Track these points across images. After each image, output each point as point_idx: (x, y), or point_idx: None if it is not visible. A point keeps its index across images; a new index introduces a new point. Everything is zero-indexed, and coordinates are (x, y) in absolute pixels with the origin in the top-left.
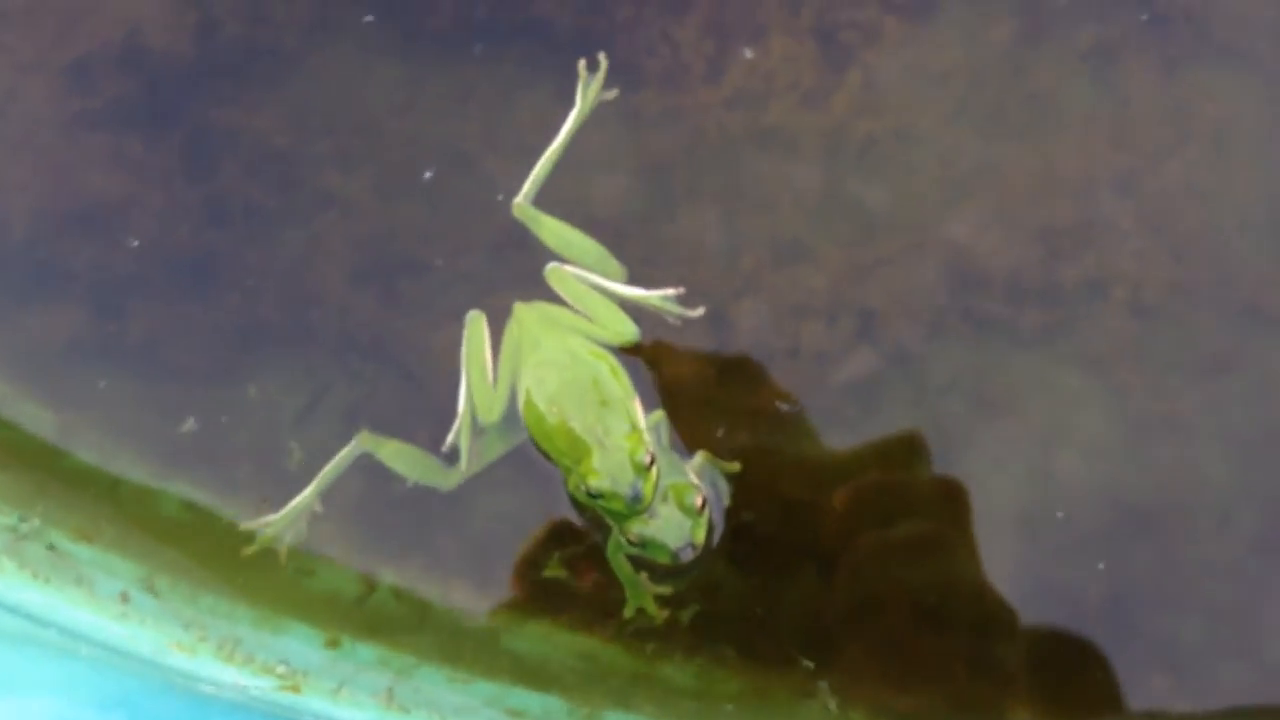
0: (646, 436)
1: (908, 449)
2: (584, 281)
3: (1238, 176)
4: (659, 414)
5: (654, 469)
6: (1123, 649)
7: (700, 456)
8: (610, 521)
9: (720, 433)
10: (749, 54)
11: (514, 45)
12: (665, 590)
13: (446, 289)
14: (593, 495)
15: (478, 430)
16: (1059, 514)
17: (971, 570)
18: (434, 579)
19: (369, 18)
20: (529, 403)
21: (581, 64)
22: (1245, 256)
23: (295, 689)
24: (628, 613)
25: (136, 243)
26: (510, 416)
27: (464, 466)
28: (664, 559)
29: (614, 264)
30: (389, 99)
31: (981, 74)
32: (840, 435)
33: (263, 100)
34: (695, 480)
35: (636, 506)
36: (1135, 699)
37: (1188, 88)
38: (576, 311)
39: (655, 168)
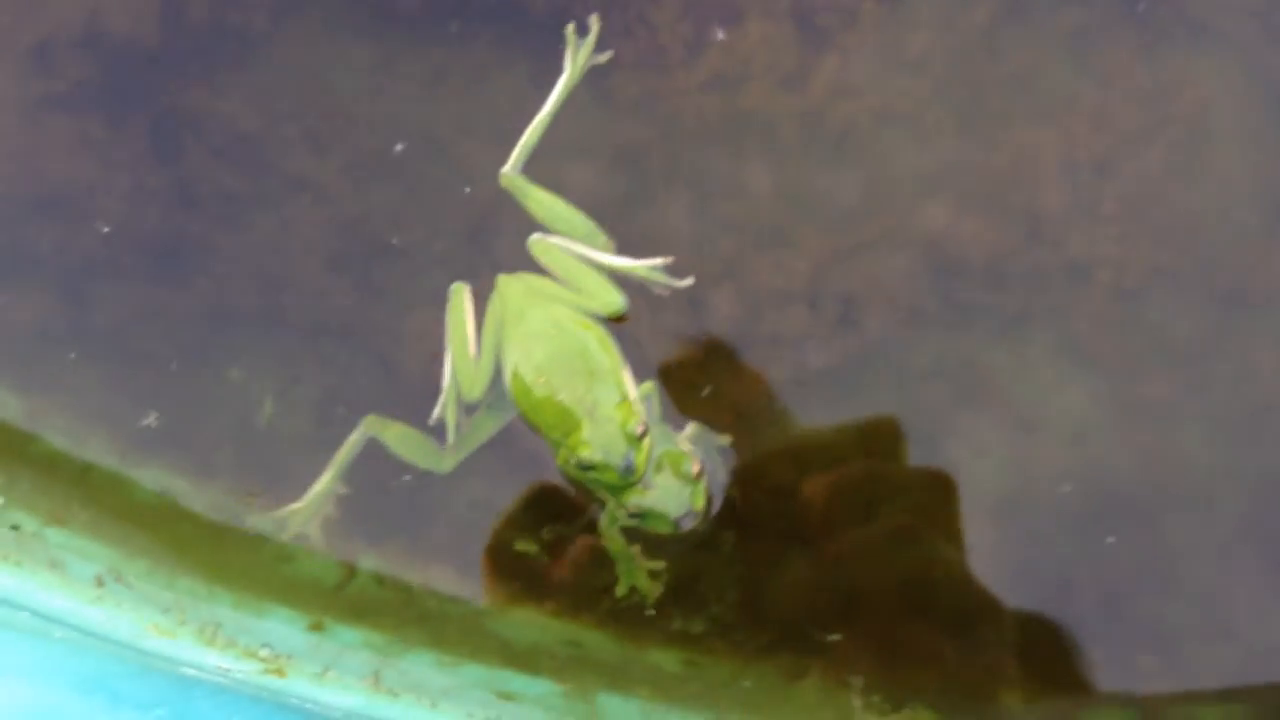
0: (638, 406)
1: (891, 435)
2: (569, 252)
3: (1220, 159)
4: (650, 384)
5: (647, 439)
6: (1110, 631)
7: (693, 426)
8: (605, 495)
9: (708, 409)
10: (721, 35)
11: (488, 27)
12: (659, 565)
13: (420, 273)
14: (584, 468)
15: (467, 409)
16: (1044, 497)
17: (957, 556)
18: (415, 565)
19: None
20: (516, 375)
21: (570, 28)
22: (1227, 240)
23: (280, 672)
24: (620, 591)
25: (106, 228)
26: (499, 394)
27: (451, 441)
28: (665, 529)
29: (601, 236)
30: (360, 82)
31: (960, 56)
32: (823, 421)
33: (231, 83)
34: (689, 448)
35: (629, 478)
36: (1123, 680)
37: (1168, 70)
38: (561, 282)
39: (632, 151)
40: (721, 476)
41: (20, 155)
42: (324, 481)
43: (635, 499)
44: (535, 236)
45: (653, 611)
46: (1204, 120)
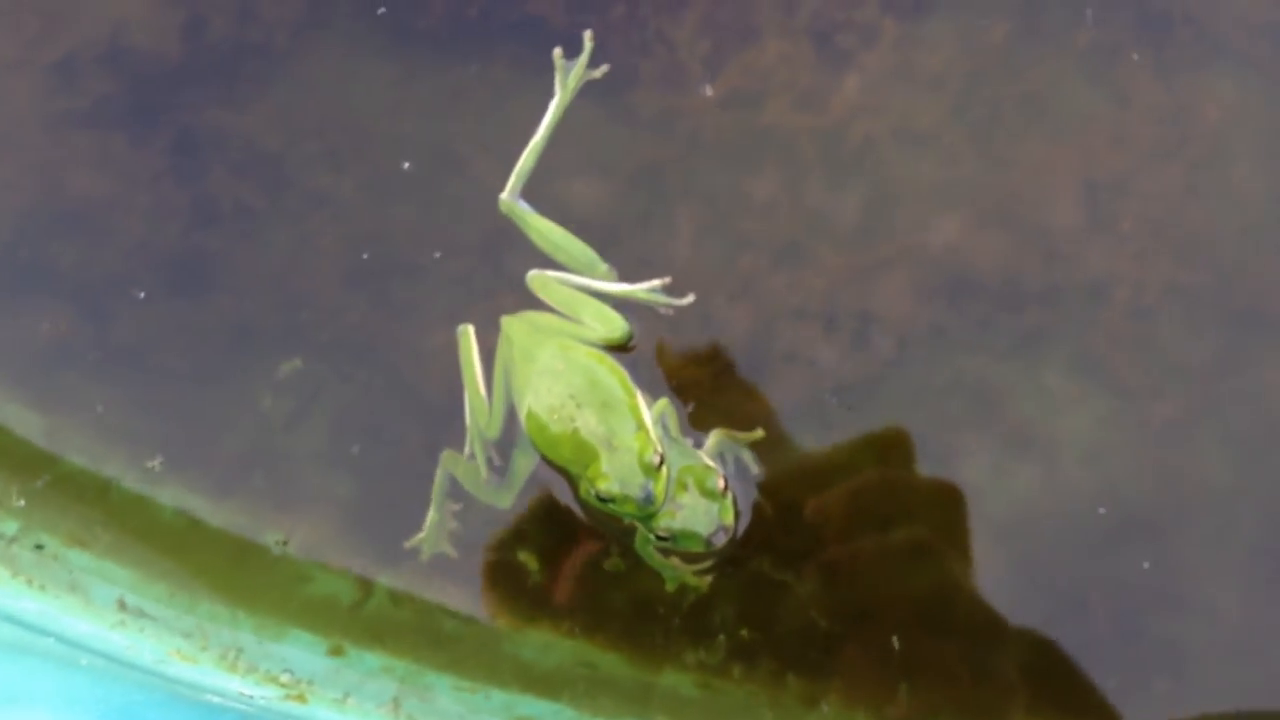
0: (654, 433)
1: (905, 453)
2: (568, 284)
3: (1237, 178)
4: (663, 402)
5: (664, 468)
6: (1124, 652)
7: (715, 435)
8: (634, 522)
9: (728, 416)
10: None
11: (506, 45)
12: (702, 566)
13: (439, 290)
14: (603, 500)
15: (495, 445)
16: (1058, 516)
17: (971, 575)
18: (430, 584)
19: (381, 10)
20: (530, 414)
21: (557, 52)
22: (1246, 258)
23: (301, 698)
24: (670, 588)
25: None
26: (521, 432)
27: (484, 474)
28: (698, 547)
29: (601, 265)
30: (379, 99)
31: (979, 75)
32: (838, 438)
33: (251, 100)
34: (711, 463)
35: (649, 508)
36: (1137, 702)
37: (1187, 89)
38: (564, 316)
39: (650, 168)
40: (755, 473)
41: (42, 170)
42: (432, 512)
43: (665, 522)
44: (533, 273)
45: (662, 634)
46: (1222, 139)
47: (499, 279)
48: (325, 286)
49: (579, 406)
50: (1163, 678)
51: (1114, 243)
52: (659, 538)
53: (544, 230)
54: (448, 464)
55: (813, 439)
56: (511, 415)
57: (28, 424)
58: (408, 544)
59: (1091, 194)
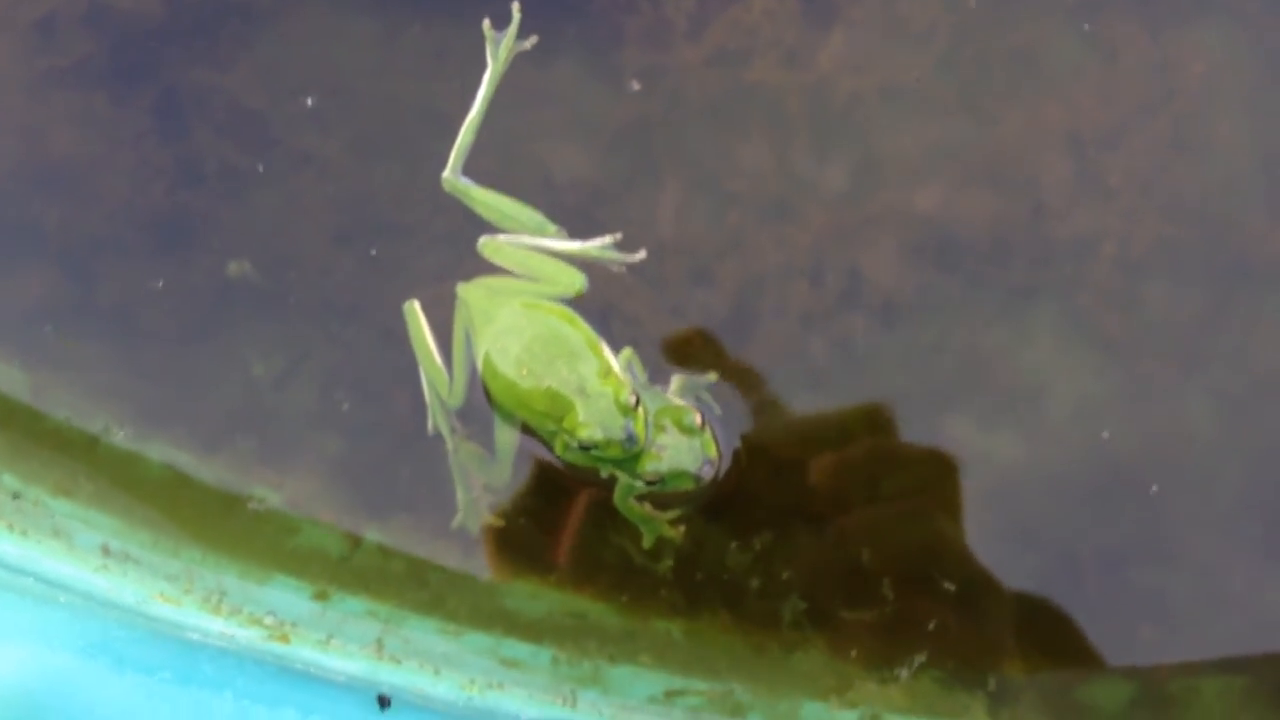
0: (624, 375)
1: (894, 410)
2: (520, 245)
3: (1225, 133)
4: (628, 350)
5: (640, 406)
6: (1111, 603)
7: (677, 378)
8: (615, 472)
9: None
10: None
11: (490, 4)
12: (676, 514)
13: (425, 250)
14: (585, 449)
15: (459, 415)
16: (1047, 471)
17: (961, 529)
18: (418, 538)
19: None
20: (494, 374)
21: (486, 24)
22: (1232, 213)
23: (284, 639)
24: (647, 544)
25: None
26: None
27: (451, 446)
28: (687, 484)
29: (550, 226)
30: (364, 57)
31: (966, 30)
32: (829, 395)
33: (234, 59)
34: (682, 402)
35: (633, 448)
36: (1124, 652)
37: (1175, 44)
38: (520, 276)
39: (636, 127)
40: (717, 413)
41: (24, 131)
42: (460, 493)
43: (651, 465)
44: (484, 239)
45: (651, 584)
46: (1210, 94)
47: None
48: (312, 246)
49: (549, 360)
50: (1149, 627)
51: (1102, 198)
52: (647, 483)
53: (490, 202)
54: (451, 448)
55: (800, 395)
56: (475, 393)
57: (13, 381)
58: (453, 525)
59: (1079, 149)
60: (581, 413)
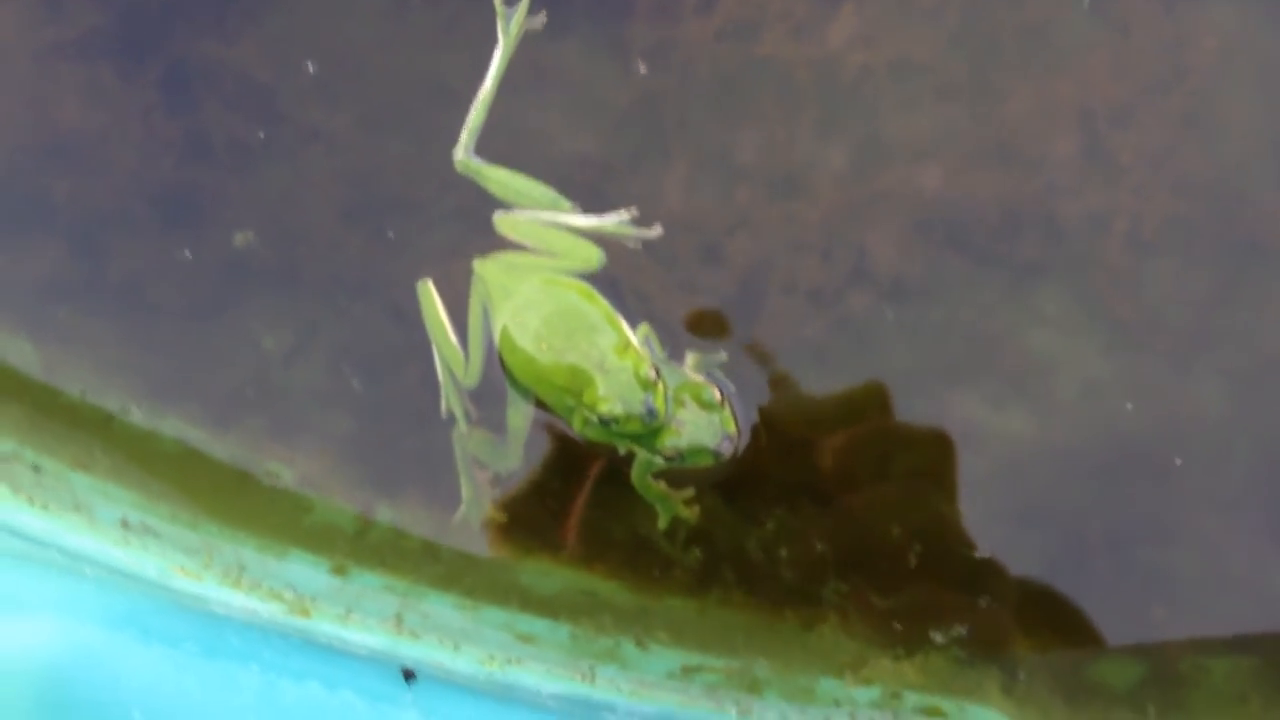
0: (643, 350)
1: (904, 387)
2: (536, 221)
3: (1238, 110)
4: (645, 326)
5: (660, 381)
6: (1122, 581)
7: (691, 356)
8: (634, 448)
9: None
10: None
11: None
12: (689, 493)
13: (434, 225)
14: (606, 423)
15: (471, 396)
16: (1057, 449)
17: (972, 508)
18: (430, 514)
19: None
20: (513, 349)
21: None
22: (1244, 190)
23: (304, 613)
24: (663, 525)
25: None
26: (508, 391)
27: (464, 429)
28: (706, 460)
29: (565, 202)
30: (372, 31)
31: (976, 5)
32: (838, 373)
33: (242, 32)
34: (700, 378)
35: (653, 422)
36: (1133, 631)
37: (1188, 20)
38: (537, 252)
39: (648, 100)
40: (731, 390)
41: (32, 103)
42: (464, 488)
43: (670, 441)
44: (499, 214)
45: (664, 562)
46: (1223, 70)
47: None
48: (321, 221)
49: (568, 335)
50: (1159, 606)
51: (1113, 175)
52: (666, 458)
53: (503, 180)
54: (458, 440)
55: (809, 373)
56: (492, 371)
57: (25, 356)
58: (455, 519)
59: (1090, 126)
60: (602, 387)
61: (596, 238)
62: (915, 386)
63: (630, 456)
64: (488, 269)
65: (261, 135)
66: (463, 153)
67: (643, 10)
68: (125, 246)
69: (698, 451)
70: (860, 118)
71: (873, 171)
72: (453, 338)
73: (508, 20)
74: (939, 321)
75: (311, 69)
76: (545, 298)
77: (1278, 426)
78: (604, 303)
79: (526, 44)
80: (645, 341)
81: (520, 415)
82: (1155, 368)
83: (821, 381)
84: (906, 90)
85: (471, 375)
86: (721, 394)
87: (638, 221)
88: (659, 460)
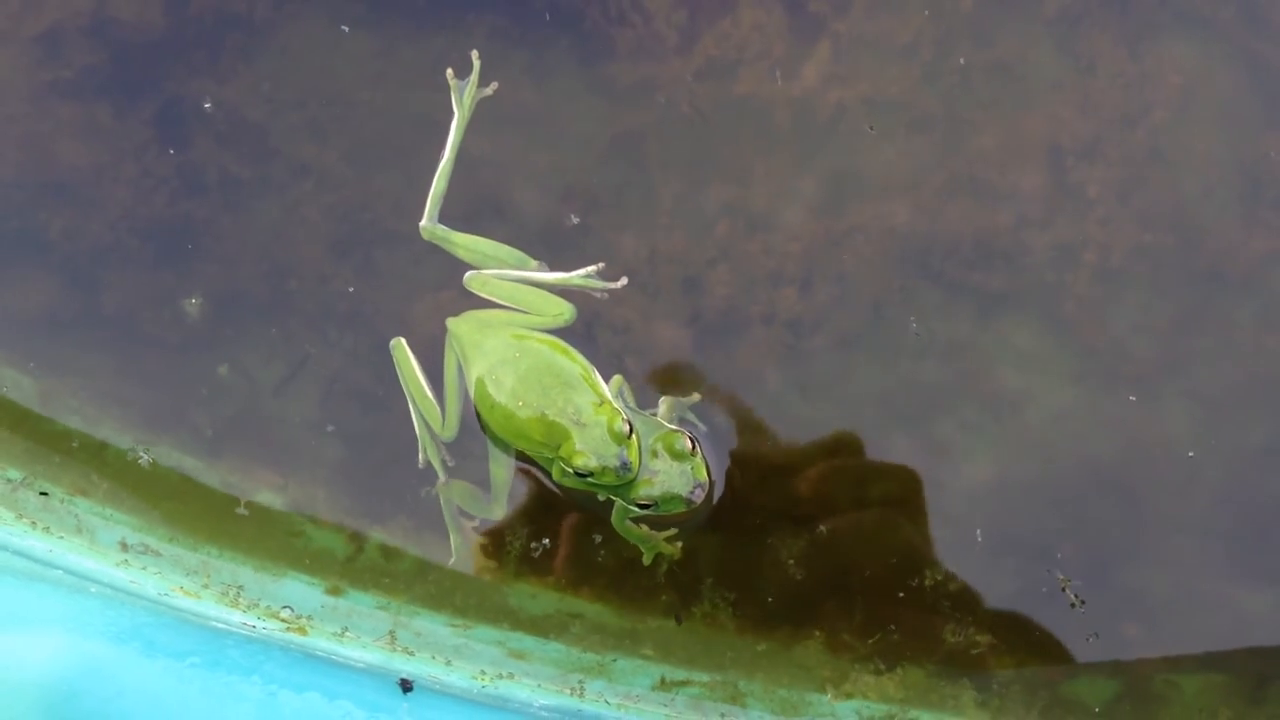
0: (618, 404)
1: (879, 415)
2: (506, 278)
3: (1202, 142)
4: (618, 378)
5: (634, 435)
6: (1094, 601)
7: (665, 404)
8: (611, 497)
9: (672, 381)
10: (575, 219)
11: (484, 17)
12: (671, 533)
13: (422, 258)
14: (582, 475)
15: (449, 448)
16: (1030, 472)
17: (947, 531)
18: (420, 540)
19: None
20: (490, 405)
21: (449, 73)
22: (1208, 221)
23: (301, 631)
24: (647, 560)
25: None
26: (489, 443)
27: (443, 479)
28: (679, 508)
29: (531, 261)
30: (361, 69)
31: (948, 43)
32: (814, 403)
33: (234, 71)
34: (673, 427)
35: (627, 475)
36: (1107, 649)
37: (1152, 56)
38: (508, 308)
39: (629, 137)
40: (703, 430)
41: (29, 141)
42: (453, 537)
43: (644, 491)
44: (470, 274)
45: (647, 588)
46: (1186, 105)
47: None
48: (311, 254)
49: (544, 391)
50: (1132, 625)
51: (1080, 207)
52: (641, 507)
53: (469, 244)
54: (443, 492)
55: (786, 402)
56: (469, 423)
57: (22, 387)
58: (450, 564)
59: (1058, 160)
60: (578, 441)
61: (564, 291)
62: (890, 414)
63: (610, 502)
64: (460, 327)
65: (257, 176)
66: (427, 220)
67: (624, 50)
68: (119, 281)
69: (670, 500)
70: (836, 152)
71: (849, 204)
72: (429, 393)
73: (460, 92)
74: (913, 350)
75: (302, 106)
76: (519, 354)
77: (1242, 450)
78: (578, 357)
79: (512, 82)
80: (619, 394)
81: (502, 467)
82: (1123, 394)
83: (796, 411)
84: (881, 126)
85: (449, 429)
86: (693, 443)
87: (603, 274)
88: (635, 509)
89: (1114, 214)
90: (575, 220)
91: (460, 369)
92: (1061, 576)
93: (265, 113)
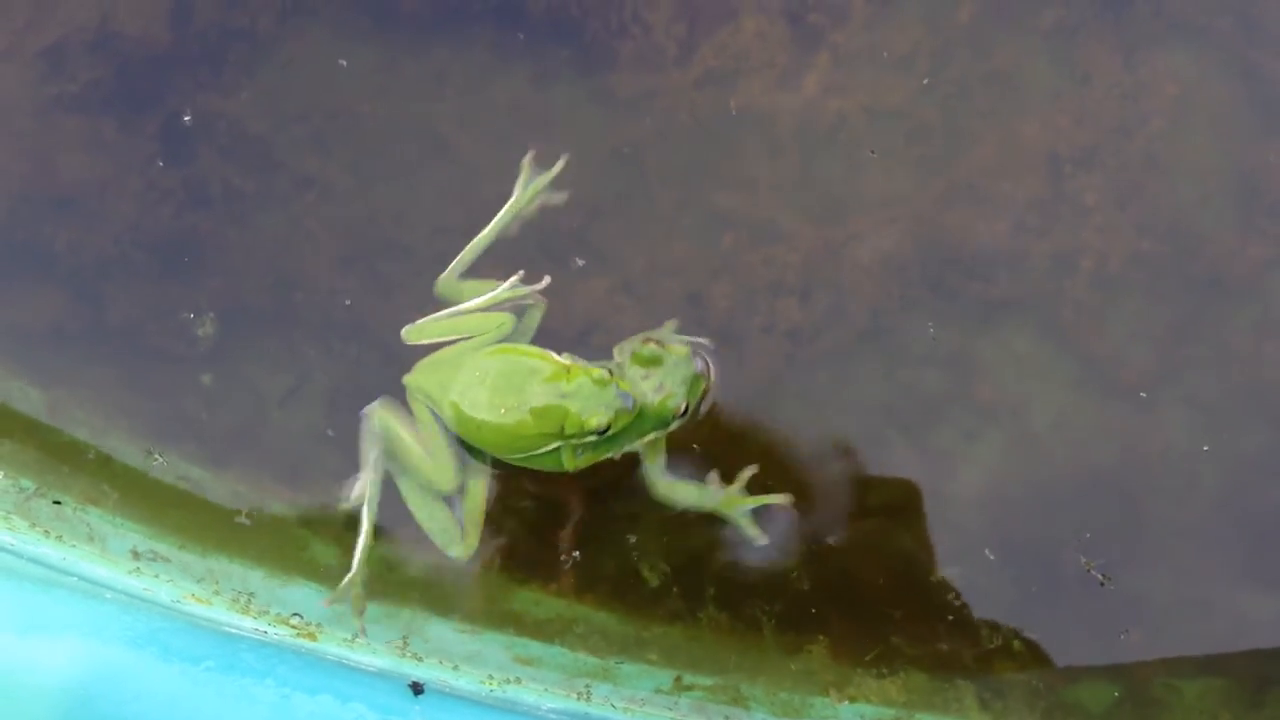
0: (580, 362)
1: (878, 422)
2: (440, 317)
3: (1198, 151)
4: (566, 355)
5: (613, 374)
6: (1096, 606)
7: (618, 350)
8: (636, 449)
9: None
10: (580, 262)
11: (487, 30)
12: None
13: (426, 270)
14: (603, 434)
15: (449, 500)
16: (1030, 478)
17: (948, 537)
18: (425, 549)
19: None
20: (477, 427)
21: (529, 155)
22: (1206, 229)
23: (312, 637)
24: (753, 532)
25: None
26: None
27: (445, 538)
28: (700, 385)
29: (510, 320)
30: (364, 82)
31: (946, 53)
32: (815, 410)
33: (238, 84)
34: (620, 349)
35: (635, 407)
36: (1108, 653)
37: (1148, 66)
38: (455, 341)
39: (630, 148)
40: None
41: (34, 155)
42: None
43: (668, 402)
44: (406, 328)
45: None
46: (1182, 114)
47: (487, 260)
48: (316, 267)
49: (519, 389)
50: (1133, 630)
51: (1079, 215)
52: (680, 416)
53: (449, 325)
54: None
55: (788, 411)
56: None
57: (30, 399)
58: (335, 592)
59: (1056, 168)
60: (577, 409)
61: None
62: (892, 421)
63: (629, 466)
64: (418, 378)
65: (261, 188)
66: (449, 276)
67: (625, 61)
68: (125, 294)
69: (688, 382)
70: (837, 161)
71: (848, 213)
72: (418, 450)
73: (530, 180)
74: (914, 357)
75: (305, 119)
76: (483, 370)
77: (1241, 454)
78: (530, 347)
79: (514, 91)
80: (575, 360)
81: (478, 494)
82: (1123, 400)
83: (798, 419)
84: (881, 135)
85: (445, 480)
86: (645, 338)
87: (526, 280)
88: (674, 423)
89: (1112, 222)
90: (578, 262)
91: (435, 416)
92: (1062, 579)
93: (268, 126)
